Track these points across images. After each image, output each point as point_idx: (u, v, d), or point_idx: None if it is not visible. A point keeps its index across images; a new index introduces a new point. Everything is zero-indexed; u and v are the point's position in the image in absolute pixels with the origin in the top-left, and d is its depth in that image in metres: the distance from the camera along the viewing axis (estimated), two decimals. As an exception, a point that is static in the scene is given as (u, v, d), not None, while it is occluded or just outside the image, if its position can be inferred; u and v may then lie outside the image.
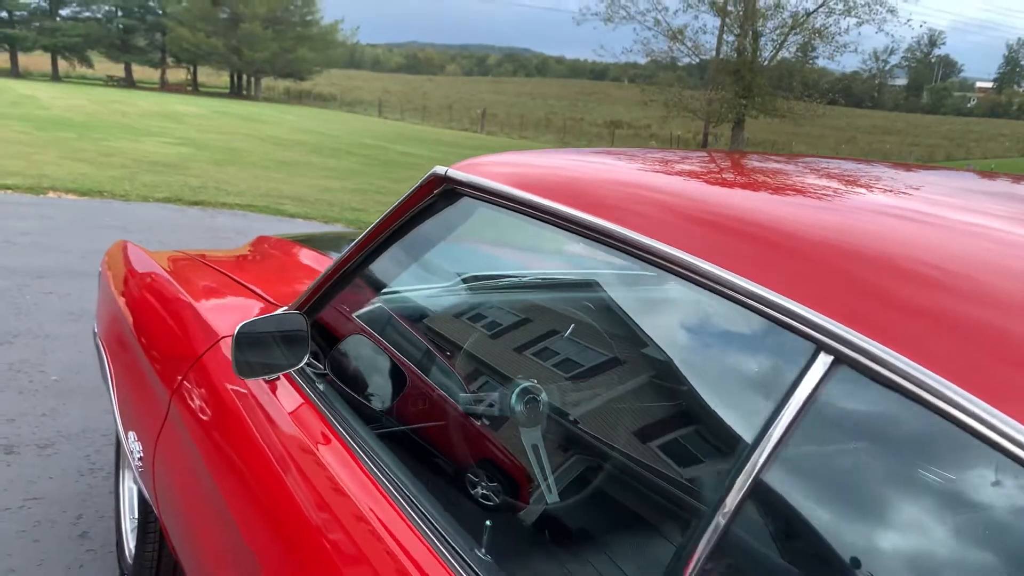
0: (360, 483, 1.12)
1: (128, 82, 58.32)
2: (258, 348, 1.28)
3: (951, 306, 0.67)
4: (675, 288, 0.93)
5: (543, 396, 1.33)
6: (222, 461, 1.37)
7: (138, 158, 12.63)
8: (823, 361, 0.70)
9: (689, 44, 26.67)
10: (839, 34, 25.75)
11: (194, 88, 61.56)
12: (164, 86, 59.28)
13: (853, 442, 0.75)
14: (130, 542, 2.29)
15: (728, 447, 0.86)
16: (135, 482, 2.30)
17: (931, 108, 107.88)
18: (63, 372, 3.73)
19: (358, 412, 1.31)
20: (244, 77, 62.09)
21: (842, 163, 1.35)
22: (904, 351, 0.65)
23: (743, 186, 1.10)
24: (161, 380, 1.69)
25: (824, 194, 1.05)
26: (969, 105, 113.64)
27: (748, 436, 0.75)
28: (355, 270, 1.39)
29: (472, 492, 1.25)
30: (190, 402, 1.55)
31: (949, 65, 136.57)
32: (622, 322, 1.41)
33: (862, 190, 1.09)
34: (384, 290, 1.50)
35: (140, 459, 1.79)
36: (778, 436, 0.70)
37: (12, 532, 2.47)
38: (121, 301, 2.12)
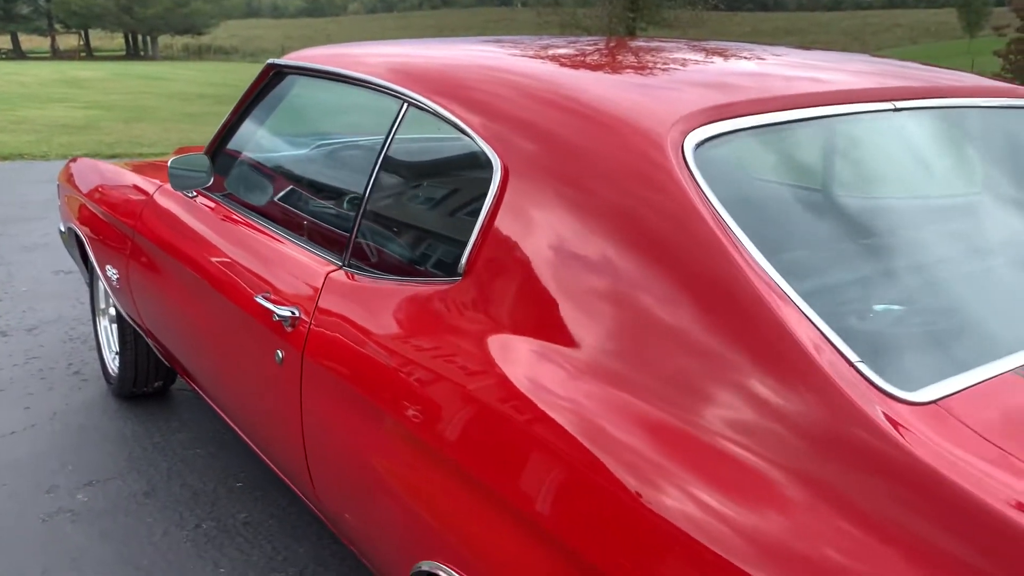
0: (255, 229, 2.11)
1: (17, 53, 56.02)
2: (183, 171, 2.25)
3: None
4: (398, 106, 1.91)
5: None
6: (174, 248, 2.34)
7: (48, 123, 13.02)
8: (405, 106, 1.72)
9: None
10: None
11: (88, 53, 59.52)
12: (56, 54, 57.12)
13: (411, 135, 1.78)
14: (112, 364, 3.26)
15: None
16: (112, 321, 3.25)
17: (832, 5, 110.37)
18: (30, 285, 4.61)
19: (248, 208, 2.29)
20: (139, 37, 60.29)
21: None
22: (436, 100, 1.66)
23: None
24: (124, 222, 2.64)
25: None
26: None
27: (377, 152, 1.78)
28: (231, 129, 2.36)
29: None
30: (147, 227, 2.52)
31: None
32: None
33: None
34: (247, 139, 2.45)
35: (117, 280, 2.75)
36: (389, 142, 1.74)
37: (25, 375, 3.42)
38: (83, 190, 3.04)
